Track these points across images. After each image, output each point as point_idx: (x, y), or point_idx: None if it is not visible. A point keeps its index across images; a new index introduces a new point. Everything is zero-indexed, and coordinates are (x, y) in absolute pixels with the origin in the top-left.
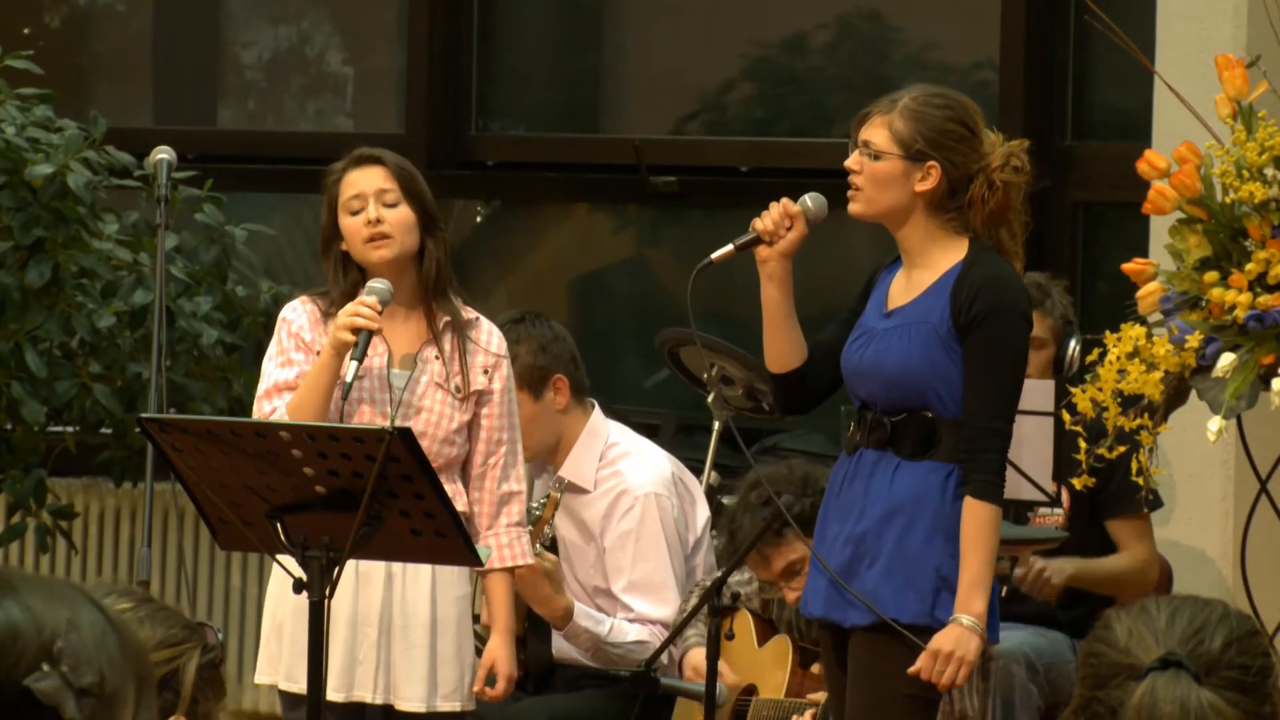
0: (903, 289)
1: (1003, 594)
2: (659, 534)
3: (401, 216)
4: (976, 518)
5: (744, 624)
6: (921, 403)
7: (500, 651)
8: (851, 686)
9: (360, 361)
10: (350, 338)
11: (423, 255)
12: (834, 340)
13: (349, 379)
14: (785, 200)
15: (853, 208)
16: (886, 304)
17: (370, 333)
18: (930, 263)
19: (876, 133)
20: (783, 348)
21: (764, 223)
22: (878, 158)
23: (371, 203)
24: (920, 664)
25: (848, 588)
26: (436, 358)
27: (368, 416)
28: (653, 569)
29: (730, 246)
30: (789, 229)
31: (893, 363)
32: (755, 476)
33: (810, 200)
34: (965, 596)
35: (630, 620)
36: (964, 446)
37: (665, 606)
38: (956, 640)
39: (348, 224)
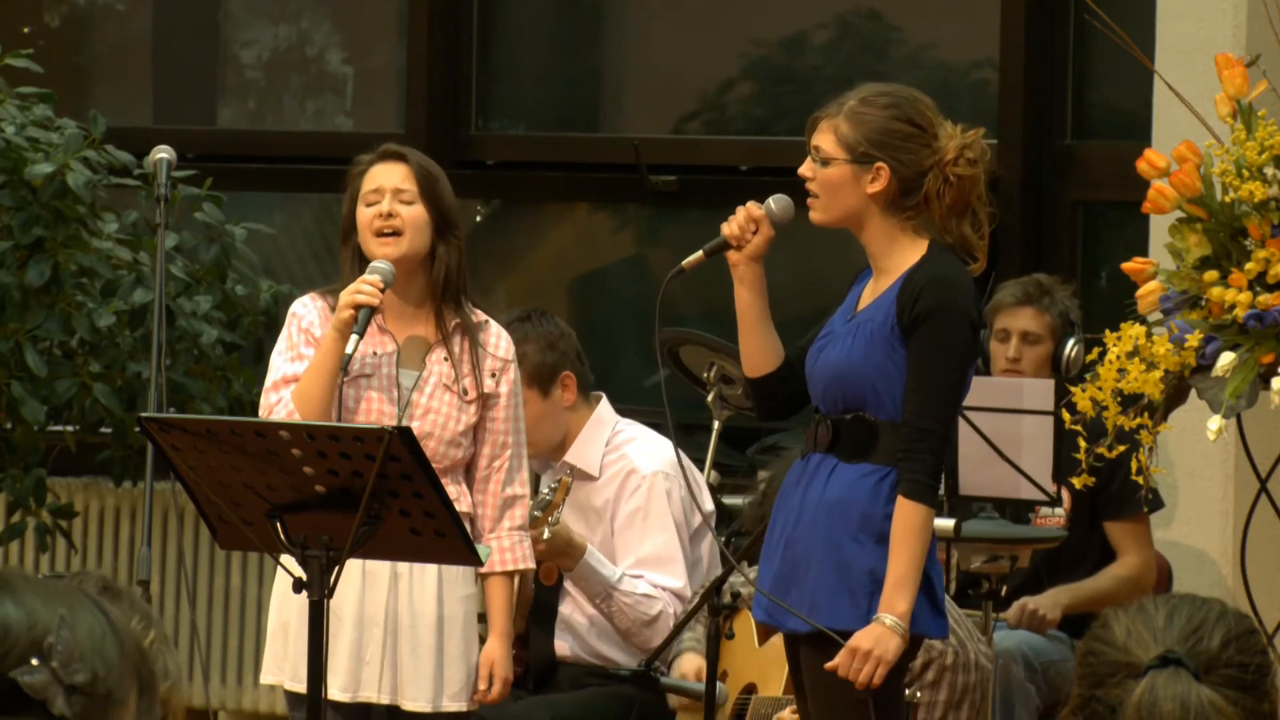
0: (870, 294)
1: (1002, 593)
2: (666, 511)
3: (414, 215)
4: (905, 518)
5: (744, 623)
6: (859, 403)
7: (497, 654)
8: (810, 695)
9: (360, 336)
10: (351, 314)
11: (434, 259)
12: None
13: (349, 351)
14: (750, 204)
15: (812, 215)
16: (855, 308)
17: (371, 309)
18: (892, 266)
19: (824, 138)
20: (757, 351)
21: (730, 228)
22: (827, 163)
23: (387, 197)
24: (838, 660)
25: (777, 600)
26: (445, 359)
27: (375, 405)
28: (661, 544)
29: (700, 253)
30: (755, 232)
31: (835, 361)
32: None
33: (774, 202)
34: (890, 596)
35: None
36: (900, 446)
37: (675, 579)
38: (875, 639)
39: (362, 215)
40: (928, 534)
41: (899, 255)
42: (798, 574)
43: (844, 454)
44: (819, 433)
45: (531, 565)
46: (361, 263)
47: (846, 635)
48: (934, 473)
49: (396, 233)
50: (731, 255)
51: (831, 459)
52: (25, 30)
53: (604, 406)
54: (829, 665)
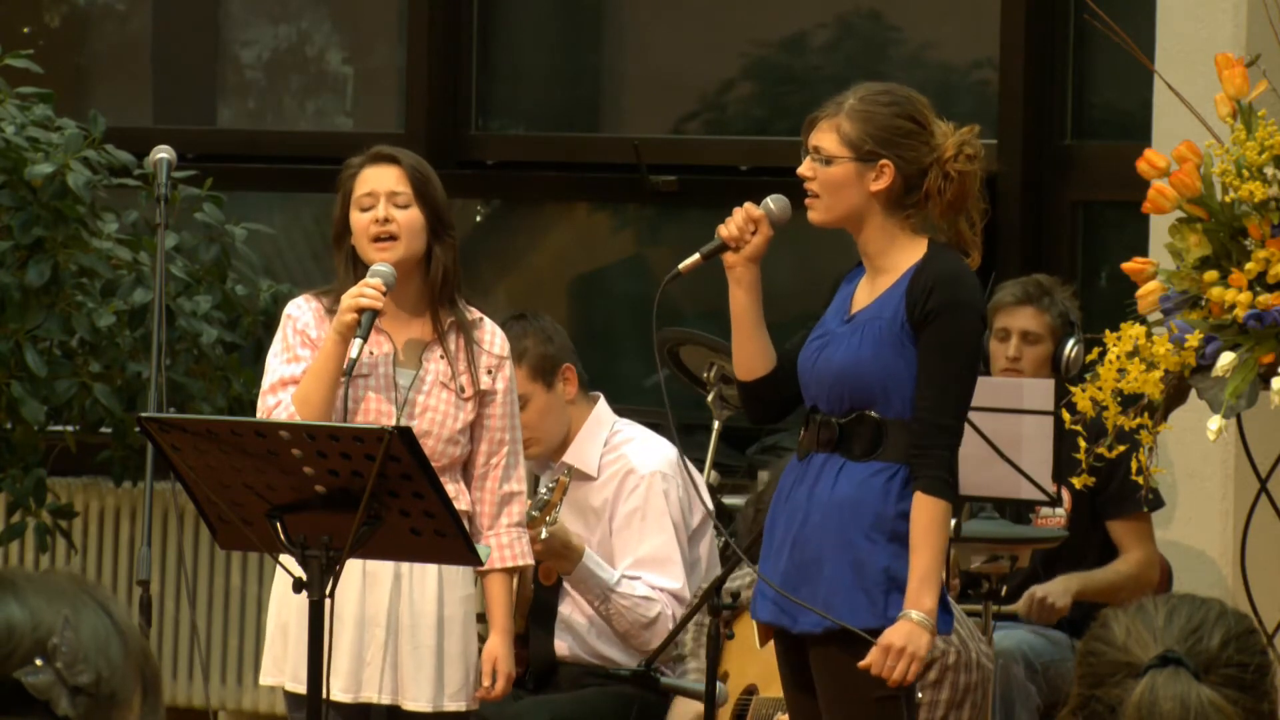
0: (866, 293)
1: (1002, 593)
2: (664, 511)
3: (410, 219)
4: (925, 513)
5: (745, 624)
6: (867, 401)
7: (499, 650)
8: (824, 698)
9: (365, 340)
10: (354, 318)
11: (430, 259)
12: (801, 348)
13: (353, 355)
14: (748, 204)
15: (811, 215)
16: (850, 308)
17: (374, 312)
18: (891, 265)
19: (825, 137)
20: (752, 354)
21: (728, 229)
22: (829, 163)
23: (382, 202)
24: (871, 658)
25: (795, 599)
26: (441, 357)
27: (374, 405)
28: (659, 545)
29: (697, 255)
30: (754, 233)
31: (841, 360)
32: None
33: (772, 202)
34: (915, 592)
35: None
36: (914, 442)
37: (674, 580)
38: (907, 635)
39: (357, 220)
40: (948, 529)
41: (898, 254)
42: (808, 574)
43: (851, 453)
44: (821, 432)
45: (530, 561)
46: (356, 265)
47: (866, 634)
48: (951, 468)
49: (393, 237)
50: (729, 257)
51: (838, 458)
52: (25, 30)
53: (602, 406)
54: (862, 664)
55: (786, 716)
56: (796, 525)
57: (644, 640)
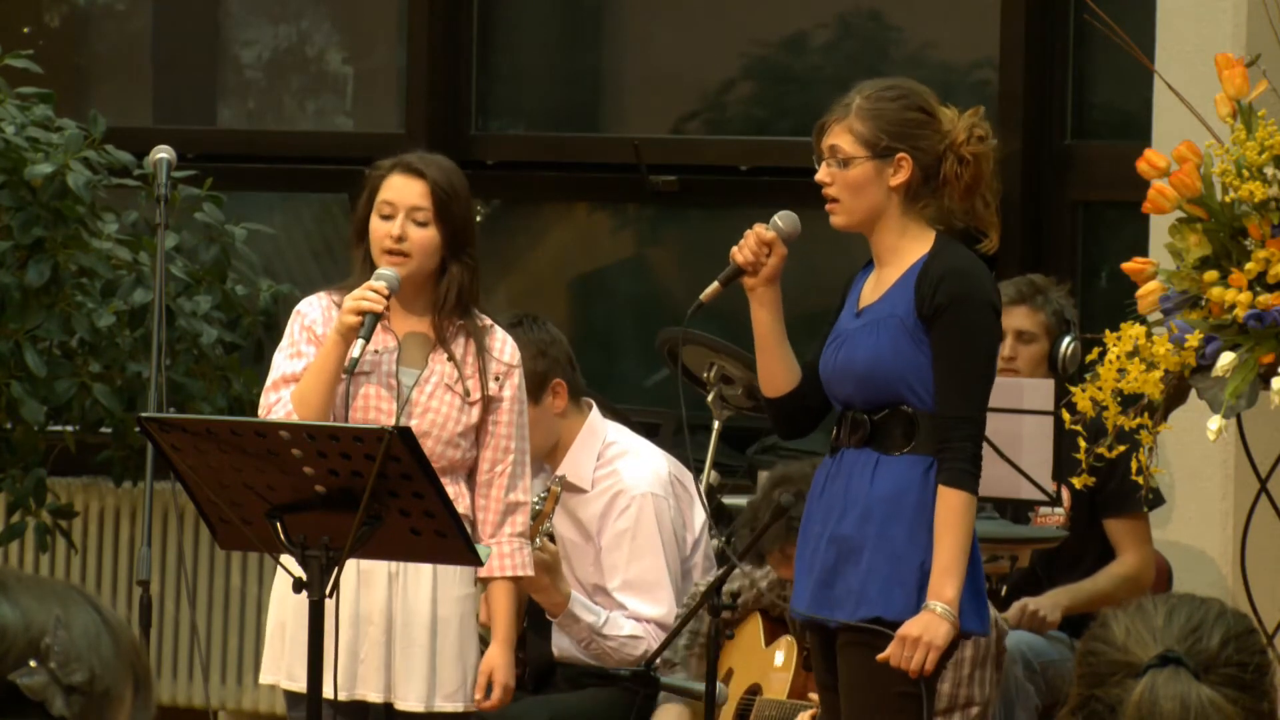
0: (873, 288)
1: (1002, 593)
2: (654, 533)
3: (426, 238)
4: (948, 505)
5: (752, 624)
6: (897, 397)
7: (498, 660)
8: (845, 688)
9: (367, 341)
10: (356, 320)
11: (444, 274)
12: (819, 356)
13: (354, 354)
14: (758, 227)
15: (834, 221)
16: (858, 304)
17: (377, 315)
18: (898, 259)
19: (841, 139)
20: (777, 370)
21: (743, 255)
22: (847, 164)
23: (400, 217)
24: (889, 651)
25: (819, 617)
26: (448, 359)
27: (373, 402)
28: (647, 568)
29: (716, 284)
30: (769, 255)
31: (863, 359)
32: (780, 472)
33: (781, 221)
34: (937, 583)
35: (626, 618)
36: (937, 436)
37: (659, 606)
38: (925, 626)
39: (376, 227)
40: (971, 521)
41: (906, 247)
42: (846, 566)
43: (885, 447)
44: (853, 429)
45: (531, 573)
46: (371, 266)
47: (897, 626)
48: (973, 459)
49: (405, 255)
50: (748, 280)
51: (871, 453)
52: (25, 30)
53: (594, 416)
54: (880, 657)
55: (804, 717)
56: (834, 520)
57: (632, 664)
